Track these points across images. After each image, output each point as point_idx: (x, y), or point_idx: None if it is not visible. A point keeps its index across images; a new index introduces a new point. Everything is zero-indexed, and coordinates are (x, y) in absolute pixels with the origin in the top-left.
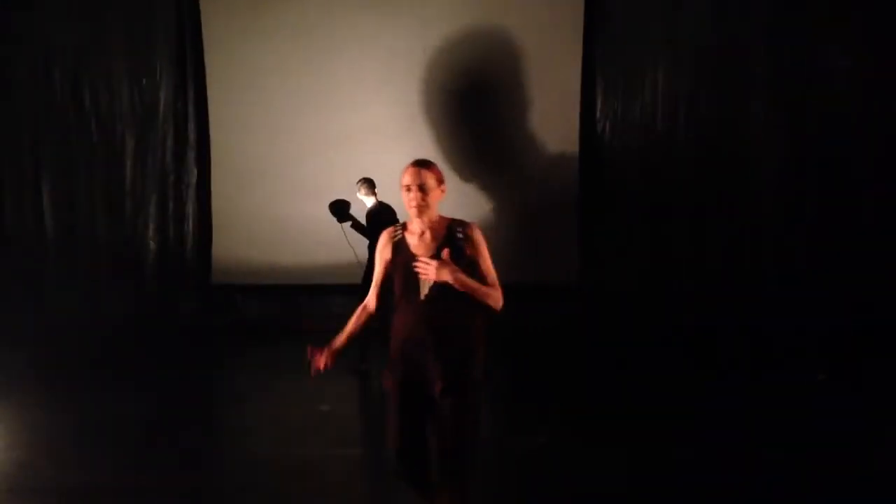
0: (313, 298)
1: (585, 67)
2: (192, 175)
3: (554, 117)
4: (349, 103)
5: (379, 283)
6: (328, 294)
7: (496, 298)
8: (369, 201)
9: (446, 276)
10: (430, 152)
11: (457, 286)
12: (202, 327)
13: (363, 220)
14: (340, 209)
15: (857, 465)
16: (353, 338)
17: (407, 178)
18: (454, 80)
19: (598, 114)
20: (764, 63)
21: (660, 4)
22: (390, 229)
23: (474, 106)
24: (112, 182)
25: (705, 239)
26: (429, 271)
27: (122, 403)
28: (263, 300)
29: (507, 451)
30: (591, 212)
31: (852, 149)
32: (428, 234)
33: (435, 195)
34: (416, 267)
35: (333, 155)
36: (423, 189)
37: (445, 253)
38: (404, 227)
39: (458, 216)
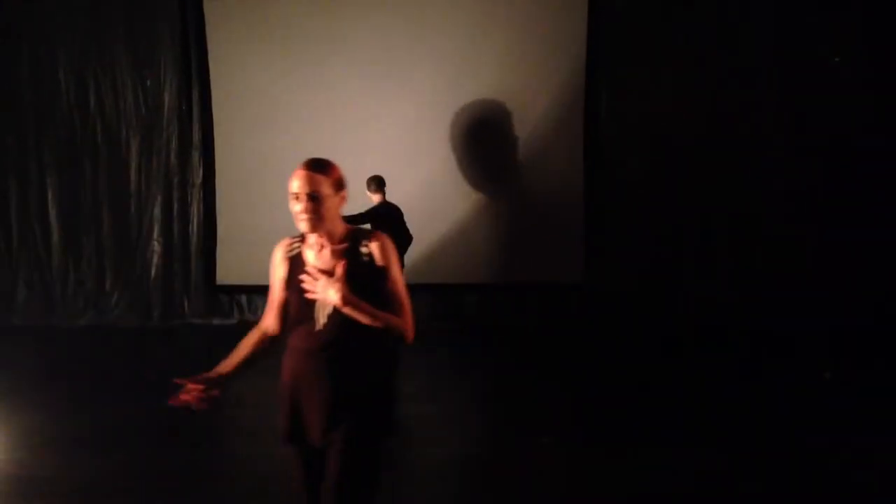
0: None
1: (589, 67)
2: (197, 176)
3: (559, 117)
4: (354, 104)
5: (276, 304)
6: None
7: (402, 329)
8: (375, 198)
9: (333, 298)
10: (434, 154)
11: (345, 311)
12: (206, 328)
13: (372, 210)
14: None
15: (859, 465)
16: (244, 364)
17: (294, 185)
18: (459, 83)
19: (602, 113)
20: (769, 62)
21: (663, 4)
22: (287, 241)
23: (479, 108)
24: (117, 183)
25: (710, 238)
26: (315, 287)
27: (125, 404)
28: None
29: (510, 452)
30: (596, 211)
31: (859, 148)
32: (328, 250)
33: (332, 204)
34: (301, 282)
35: (338, 155)
36: (314, 198)
37: (339, 268)
38: (303, 239)
39: (463, 218)
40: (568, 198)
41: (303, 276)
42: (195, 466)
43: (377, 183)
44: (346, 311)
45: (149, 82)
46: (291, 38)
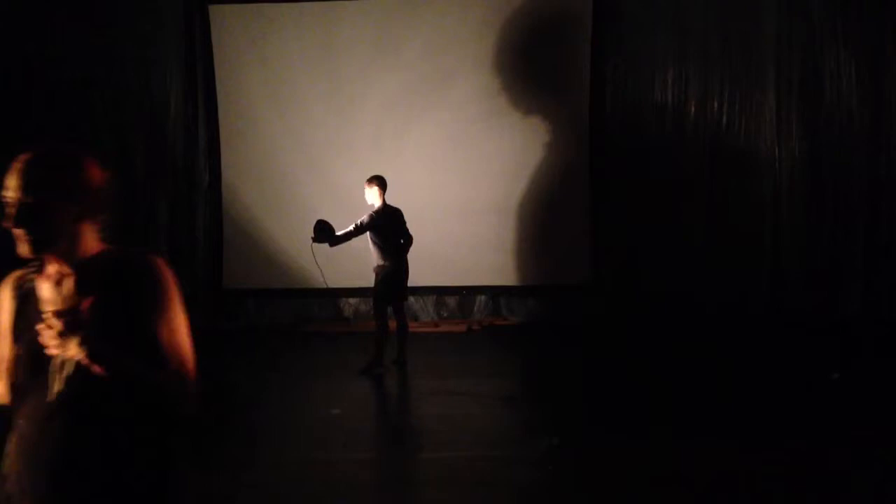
0: (323, 302)
1: (594, 64)
2: (203, 180)
3: (564, 114)
4: (359, 109)
5: (6, 362)
6: (338, 298)
7: (180, 390)
8: (374, 198)
9: (74, 352)
10: (439, 155)
11: (95, 370)
12: (213, 331)
13: (369, 219)
14: (320, 232)
15: (863, 464)
16: None
17: (5, 185)
18: (463, 84)
19: (607, 109)
20: (775, 55)
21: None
22: (19, 272)
23: (483, 109)
24: (123, 187)
25: (717, 236)
26: (48, 338)
27: None
28: (274, 304)
29: (518, 453)
30: (602, 213)
31: (863, 142)
32: (70, 280)
33: (66, 214)
34: (37, 331)
35: (343, 159)
36: (31, 206)
37: (84, 307)
38: (41, 267)
39: (469, 220)
40: (574, 200)
41: (38, 325)
42: (204, 467)
43: (379, 182)
44: (95, 369)
45: (154, 86)
46: (297, 42)
